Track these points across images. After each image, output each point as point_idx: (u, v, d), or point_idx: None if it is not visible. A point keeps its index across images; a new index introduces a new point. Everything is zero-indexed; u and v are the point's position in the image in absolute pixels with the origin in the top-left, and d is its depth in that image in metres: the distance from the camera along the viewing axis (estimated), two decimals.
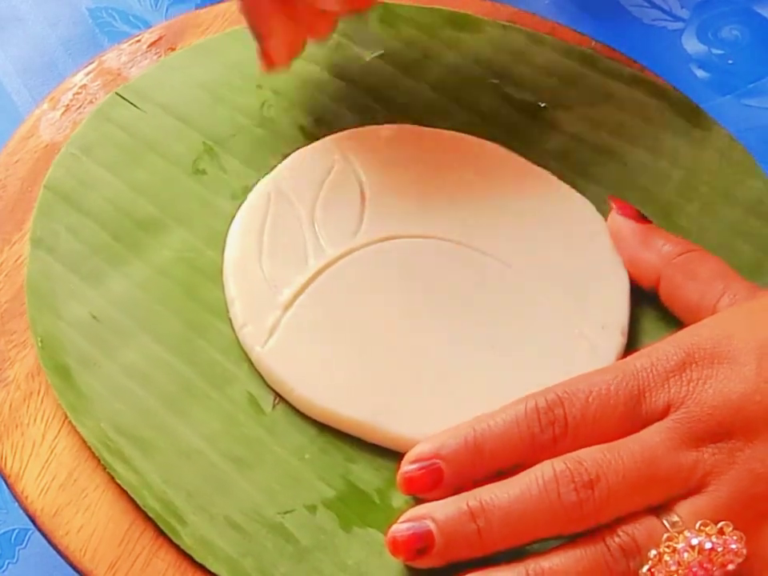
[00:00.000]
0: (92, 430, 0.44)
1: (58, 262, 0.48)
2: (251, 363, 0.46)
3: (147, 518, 0.43)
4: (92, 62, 0.55)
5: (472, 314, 0.47)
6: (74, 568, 0.42)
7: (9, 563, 0.49)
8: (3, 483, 0.45)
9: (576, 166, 0.52)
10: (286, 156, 0.51)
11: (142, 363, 0.46)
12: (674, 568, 0.38)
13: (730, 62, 0.64)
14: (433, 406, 0.44)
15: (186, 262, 0.48)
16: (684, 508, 0.39)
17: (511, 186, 0.51)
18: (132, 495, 0.43)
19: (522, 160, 0.52)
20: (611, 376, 0.41)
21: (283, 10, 0.50)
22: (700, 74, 0.63)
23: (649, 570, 0.38)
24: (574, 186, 0.51)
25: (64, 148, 0.52)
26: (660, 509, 0.39)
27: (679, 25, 0.65)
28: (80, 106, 0.54)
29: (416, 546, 0.40)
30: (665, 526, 0.39)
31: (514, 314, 0.47)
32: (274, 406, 0.45)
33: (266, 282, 0.47)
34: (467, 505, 0.40)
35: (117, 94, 0.53)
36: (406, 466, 0.42)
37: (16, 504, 0.44)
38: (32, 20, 0.64)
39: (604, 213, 0.50)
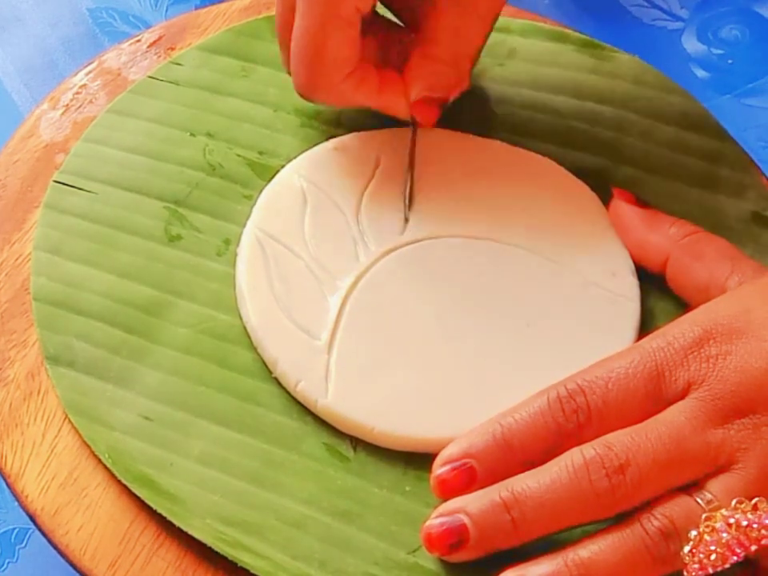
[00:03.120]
0: (203, 529, 0.42)
1: (84, 374, 0.46)
2: (313, 415, 0.45)
3: (147, 517, 0.43)
4: (92, 62, 0.55)
5: (510, 307, 0.47)
6: (74, 567, 0.43)
7: (9, 562, 0.49)
8: (3, 482, 0.45)
9: (518, 129, 0.53)
10: (249, 197, 0.50)
11: (212, 448, 0.44)
12: (713, 547, 0.38)
13: (730, 61, 0.64)
14: (499, 406, 0.43)
15: (206, 333, 0.47)
16: (716, 486, 0.39)
17: (535, 185, 0.51)
18: None
19: (559, 168, 0.52)
20: (629, 359, 0.41)
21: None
22: (700, 73, 0.63)
23: (690, 550, 0.38)
24: (526, 148, 0.52)
25: (33, 253, 0.49)
26: (692, 488, 0.40)
27: (679, 25, 0.65)
28: (80, 106, 0.54)
29: (451, 541, 0.40)
30: (700, 505, 0.39)
31: (543, 302, 0.48)
32: (354, 450, 0.45)
33: (299, 331, 0.46)
34: (500, 496, 0.40)
35: (56, 181, 0.51)
36: (439, 470, 0.42)
37: (16, 503, 0.44)
38: (32, 20, 0.64)
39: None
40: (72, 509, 0.43)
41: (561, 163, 0.51)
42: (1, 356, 0.47)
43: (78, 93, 0.54)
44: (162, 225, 0.50)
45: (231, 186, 0.51)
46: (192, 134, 0.52)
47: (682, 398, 0.40)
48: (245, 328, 0.47)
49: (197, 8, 0.61)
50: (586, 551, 0.39)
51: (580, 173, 0.51)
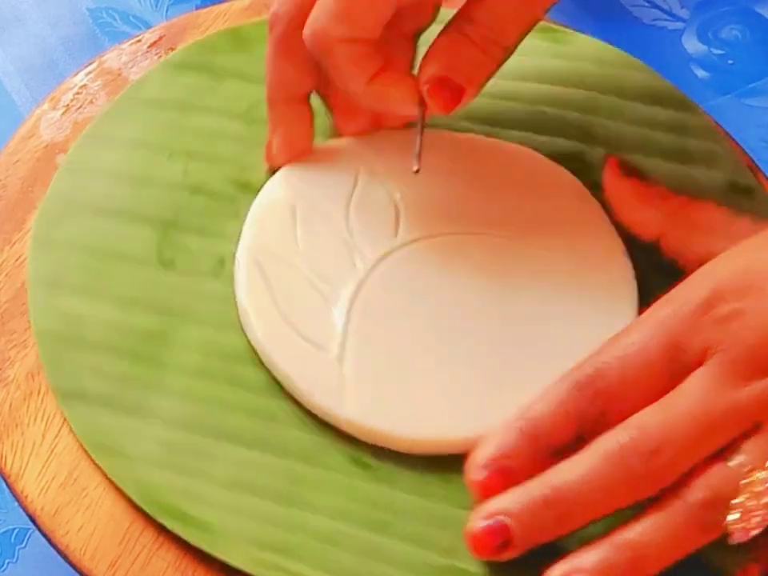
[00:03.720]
0: (241, 556, 0.42)
1: (98, 407, 0.45)
2: (332, 427, 0.45)
3: (147, 517, 0.43)
4: (92, 62, 0.55)
5: (511, 300, 0.47)
6: (74, 567, 0.42)
7: (9, 562, 0.49)
8: (3, 483, 0.45)
9: (489, 119, 0.53)
10: (237, 214, 0.50)
11: (237, 471, 0.44)
12: (756, 511, 0.39)
13: (730, 61, 0.64)
14: (516, 399, 0.43)
15: (214, 355, 0.46)
16: (749, 448, 0.39)
17: (525, 179, 0.51)
18: None
19: (537, 156, 0.52)
20: (638, 335, 0.41)
21: (302, 100, 0.49)
22: (700, 73, 0.63)
23: (734, 517, 0.39)
24: (500, 138, 0.52)
25: (30, 289, 0.48)
26: (725, 453, 0.40)
27: (679, 25, 0.65)
28: (80, 107, 0.54)
29: (496, 543, 0.40)
30: (736, 470, 0.39)
31: (542, 291, 0.48)
32: (378, 458, 0.44)
33: (308, 345, 0.46)
34: (539, 493, 0.40)
35: (42, 212, 0.50)
36: (475, 474, 0.41)
37: (16, 503, 0.44)
38: (32, 20, 0.64)
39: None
40: (72, 509, 0.43)
41: (536, 150, 0.51)
42: (1, 356, 0.47)
43: (78, 93, 0.54)
44: (154, 250, 0.49)
45: (217, 204, 0.50)
46: (171, 155, 0.51)
47: (700, 363, 0.40)
48: (251, 346, 0.47)
49: (197, 8, 0.61)
50: (633, 533, 0.39)
51: (557, 157, 0.51)
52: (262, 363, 0.46)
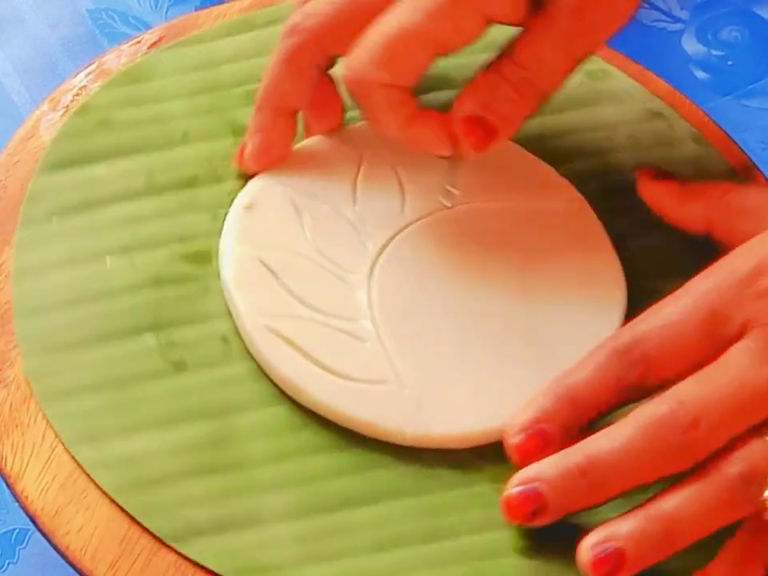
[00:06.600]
0: None
1: (215, 536, 0.43)
2: (436, 452, 0.45)
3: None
4: (92, 63, 0.55)
5: (519, 272, 0.48)
6: (75, 568, 0.42)
7: (9, 563, 0.49)
8: (3, 483, 0.45)
9: None
10: (208, 290, 0.48)
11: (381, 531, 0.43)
12: None
13: (730, 63, 0.64)
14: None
15: (282, 431, 0.45)
16: None
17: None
18: None
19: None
20: (680, 304, 0.41)
21: (290, 114, 0.49)
22: (700, 74, 0.63)
23: None
24: None
25: (73, 449, 0.44)
26: (762, 429, 0.40)
27: (679, 26, 0.65)
28: None
29: (531, 509, 0.40)
30: None
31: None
32: (482, 458, 0.45)
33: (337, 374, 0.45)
34: (574, 461, 0.40)
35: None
36: (514, 438, 0.42)
37: (16, 504, 0.44)
38: (32, 21, 0.64)
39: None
40: (72, 509, 0.43)
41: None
42: (1, 357, 0.47)
43: (78, 94, 0.54)
44: (159, 358, 0.46)
45: (187, 284, 0.48)
46: (110, 259, 0.48)
47: (741, 336, 0.40)
48: (309, 410, 0.45)
49: (197, 9, 0.61)
50: (668, 504, 0.39)
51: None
52: (325, 420, 0.45)
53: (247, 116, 0.51)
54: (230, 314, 0.47)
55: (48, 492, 0.44)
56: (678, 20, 0.65)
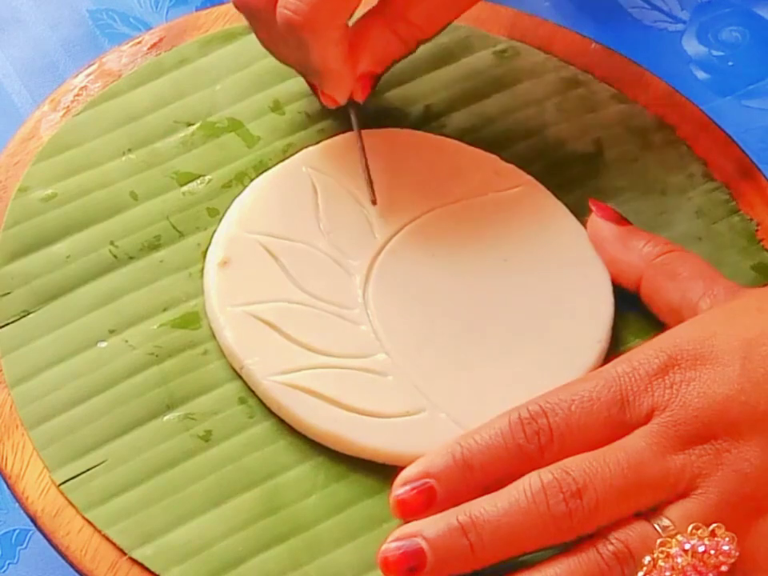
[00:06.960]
0: None
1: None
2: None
3: None
4: (92, 64, 0.55)
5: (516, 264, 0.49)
6: (75, 568, 0.42)
7: (9, 563, 0.49)
8: (4, 484, 0.45)
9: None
10: (200, 347, 0.47)
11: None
12: (668, 573, 0.38)
13: (730, 63, 0.64)
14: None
15: (327, 483, 0.45)
16: (674, 512, 0.39)
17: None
18: None
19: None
20: (593, 383, 0.41)
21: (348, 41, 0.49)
22: (700, 75, 0.63)
23: (644, 575, 0.38)
24: None
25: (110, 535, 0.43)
26: (650, 513, 0.39)
27: (679, 26, 0.65)
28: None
29: (408, 565, 0.39)
30: (657, 530, 0.39)
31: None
32: None
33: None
34: (457, 520, 0.39)
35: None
36: (398, 490, 0.41)
37: (17, 504, 0.44)
38: (32, 21, 0.64)
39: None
40: (72, 510, 0.43)
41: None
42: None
43: (78, 95, 0.54)
44: (187, 437, 0.45)
45: (186, 352, 0.47)
46: (111, 333, 0.47)
47: (645, 423, 0.40)
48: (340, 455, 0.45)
49: (197, 9, 0.61)
50: (541, 575, 0.39)
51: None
52: (369, 462, 0.45)
53: (186, 162, 0.51)
54: (237, 375, 0.46)
55: (48, 493, 0.44)
56: (678, 20, 0.65)
